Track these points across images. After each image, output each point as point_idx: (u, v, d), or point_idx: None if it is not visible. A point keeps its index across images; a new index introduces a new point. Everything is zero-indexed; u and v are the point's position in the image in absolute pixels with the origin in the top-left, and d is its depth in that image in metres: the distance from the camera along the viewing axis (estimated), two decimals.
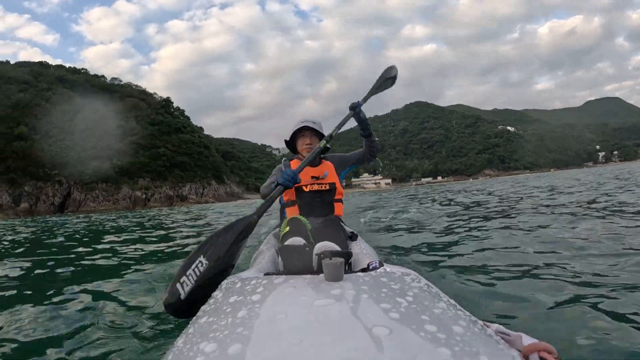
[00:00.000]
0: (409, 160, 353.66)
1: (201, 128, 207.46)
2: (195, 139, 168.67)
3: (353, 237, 3.16)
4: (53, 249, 10.02)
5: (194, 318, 1.32)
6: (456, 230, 7.54)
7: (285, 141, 4.07)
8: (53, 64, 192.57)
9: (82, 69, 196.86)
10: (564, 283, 3.31)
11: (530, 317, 2.66)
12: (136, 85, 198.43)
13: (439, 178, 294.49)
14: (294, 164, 3.86)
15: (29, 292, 4.73)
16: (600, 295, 2.88)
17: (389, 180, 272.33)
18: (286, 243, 2.20)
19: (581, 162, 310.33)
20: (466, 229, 7.54)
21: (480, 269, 4.20)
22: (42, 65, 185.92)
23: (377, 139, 3.98)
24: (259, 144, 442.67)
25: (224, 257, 2.21)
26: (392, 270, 1.54)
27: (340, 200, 3.85)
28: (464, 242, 6.12)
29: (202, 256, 2.18)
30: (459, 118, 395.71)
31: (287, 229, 2.74)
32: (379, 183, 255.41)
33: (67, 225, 22.26)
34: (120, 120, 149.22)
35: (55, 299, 3.87)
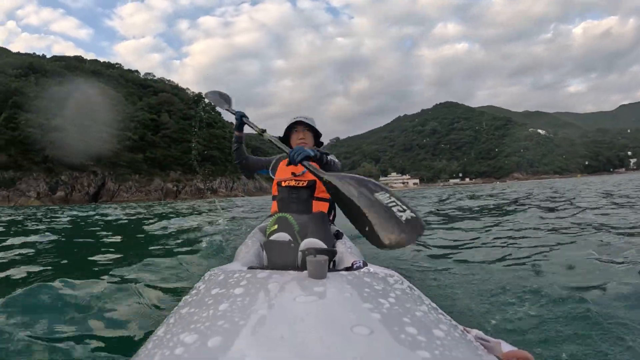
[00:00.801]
0: (438, 160, 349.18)
1: (232, 124, 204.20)
2: (226, 134, 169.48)
3: (339, 235, 3.30)
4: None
5: (176, 308, 1.31)
6: (446, 233, 7.71)
7: (280, 138, 4.04)
8: (88, 59, 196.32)
9: (117, 63, 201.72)
10: (547, 291, 3.34)
11: (510, 324, 2.69)
12: (169, 81, 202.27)
13: (467, 180, 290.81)
14: (284, 161, 3.97)
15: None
16: (584, 304, 2.91)
17: (417, 180, 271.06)
18: (272, 238, 2.25)
19: (612, 169, 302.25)
20: (457, 231, 7.75)
21: (461, 272, 4.33)
22: (77, 59, 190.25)
23: (337, 167, 3.74)
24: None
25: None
26: (375, 271, 1.54)
27: (324, 199, 3.79)
28: (450, 244, 6.31)
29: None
30: (489, 119, 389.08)
31: (275, 227, 2.86)
32: (407, 182, 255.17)
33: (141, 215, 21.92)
34: (153, 114, 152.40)
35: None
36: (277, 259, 1.95)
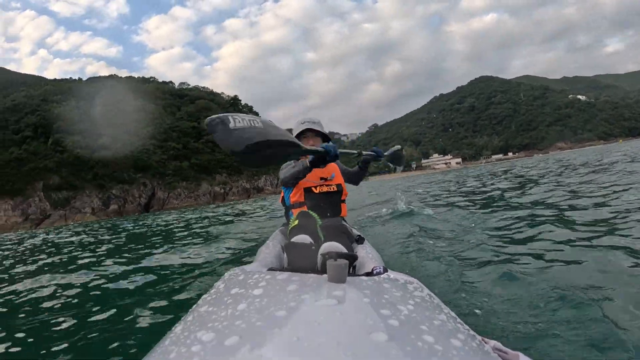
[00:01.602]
0: (478, 137, 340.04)
1: (270, 122, 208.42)
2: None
3: (360, 240, 3.26)
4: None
5: (194, 306, 1.32)
6: (465, 230, 7.05)
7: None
8: (122, 76, 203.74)
9: (151, 77, 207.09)
10: (573, 304, 3.08)
11: (529, 336, 2.62)
12: (203, 87, 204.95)
13: (510, 154, 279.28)
14: None
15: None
16: (607, 319, 2.73)
17: (459, 160, 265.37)
18: (293, 240, 2.22)
19: None
20: (476, 226, 7.18)
21: (483, 280, 4.13)
22: (113, 78, 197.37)
23: (363, 176, 4.20)
24: (327, 132, 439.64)
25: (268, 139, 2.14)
26: (395, 277, 1.53)
27: (344, 202, 3.90)
28: (471, 246, 5.82)
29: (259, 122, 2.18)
30: (526, 90, 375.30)
31: (297, 222, 2.80)
32: (450, 163, 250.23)
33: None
34: (193, 122, 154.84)
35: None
36: (298, 261, 1.92)
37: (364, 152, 4.09)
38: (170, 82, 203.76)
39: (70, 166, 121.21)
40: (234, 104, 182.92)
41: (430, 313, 1.18)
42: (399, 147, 4.79)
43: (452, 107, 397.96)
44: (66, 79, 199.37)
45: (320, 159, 2.99)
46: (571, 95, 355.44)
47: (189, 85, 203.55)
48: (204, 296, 1.41)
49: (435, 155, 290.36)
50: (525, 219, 6.91)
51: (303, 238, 2.18)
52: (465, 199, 13.08)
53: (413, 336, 0.96)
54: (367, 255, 2.65)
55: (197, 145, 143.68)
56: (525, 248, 5.13)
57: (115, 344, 2.56)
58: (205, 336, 0.97)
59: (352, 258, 1.76)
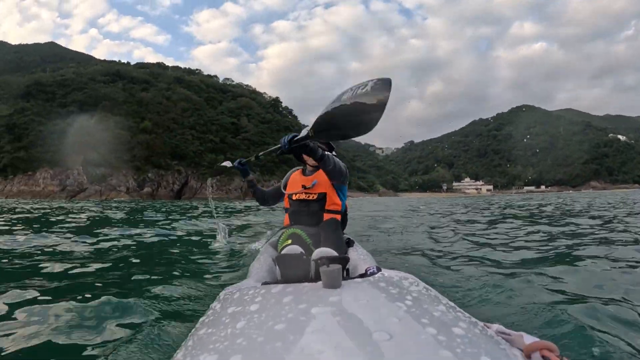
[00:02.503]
0: (512, 167, 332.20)
1: (306, 125, 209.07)
2: None
3: (350, 243, 3.37)
4: None
5: (193, 330, 1.32)
6: (460, 235, 7.83)
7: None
8: (170, 65, 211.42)
9: (197, 69, 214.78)
10: (565, 284, 3.43)
11: (531, 316, 2.65)
12: (247, 85, 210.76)
13: (542, 187, 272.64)
14: (297, 174, 3.98)
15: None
16: (603, 295, 2.94)
17: (490, 187, 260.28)
18: (283, 252, 2.23)
19: None
20: (472, 235, 7.76)
21: (479, 269, 4.33)
22: (160, 66, 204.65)
23: (329, 165, 3.42)
24: (362, 143, 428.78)
25: None
26: (390, 275, 1.54)
27: (335, 212, 3.73)
28: (464, 245, 6.29)
29: None
30: (566, 124, 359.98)
31: (289, 242, 2.92)
32: (480, 189, 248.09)
33: None
34: (233, 118, 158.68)
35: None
36: (290, 272, 1.93)
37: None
38: (215, 76, 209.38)
39: (111, 145, 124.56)
40: (274, 106, 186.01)
41: (429, 305, 1.18)
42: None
43: (489, 133, 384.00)
44: (115, 61, 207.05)
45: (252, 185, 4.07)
46: (611, 135, 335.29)
47: (232, 81, 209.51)
48: (202, 319, 1.41)
49: (467, 179, 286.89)
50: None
51: (293, 249, 2.19)
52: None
53: (416, 330, 0.97)
54: (359, 257, 2.76)
55: (234, 141, 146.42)
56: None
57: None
58: (208, 359, 0.96)
59: (344, 261, 1.77)
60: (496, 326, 1.15)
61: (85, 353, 2.43)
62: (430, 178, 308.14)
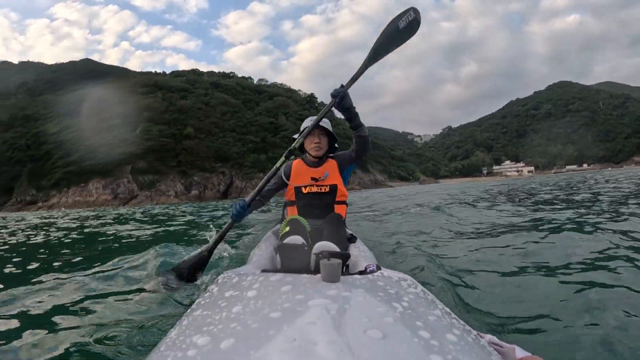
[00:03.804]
0: (553, 146, 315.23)
1: (343, 120, 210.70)
2: (340, 131, 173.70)
3: (352, 239, 3.28)
4: None
5: (189, 310, 1.32)
6: (465, 233, 7.04)
7: (293, 138, 3.74)
8: (205, 71, 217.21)
9: (231, 72, 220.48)
10: (565, 295, 3.21)
11: (524, 330, 2.62)
12: (281, 84, 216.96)
13: (584, 165, 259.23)
14: (300, 165, 3.80)
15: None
16: (602, 310, 2.80)
17: (532, 168, 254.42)
18: (285, 241, 2.21)
19: None
20: (482, 230, 7.15)
21: (477, 275, 4.16)
22: (195, 72, 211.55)
23: (367, 132, 3.49)
24: (401, 132, 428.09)
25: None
26: (389, 275, 1.56)
27: (342, 202, 3.71)
28: (465, 246, 5.87)
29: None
30: (606, 98, 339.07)
31: (287, 229, 2.84)
32: (521, 171, 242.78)
33: None
34: (271, 118, 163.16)
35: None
36: (291, 262, 1.92)
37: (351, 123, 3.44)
38: (250, 77, 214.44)
39: (156, 153, 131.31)
40: (310, 102, 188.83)
41: (425, 309, 1.18)
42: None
43: (527, 113, 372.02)
44: (151, 72, 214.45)
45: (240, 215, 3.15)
46: None
47: (267, 81, 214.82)
48: (198, 300, 1.41)
49: (507, 162, 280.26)
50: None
51: (295, 239, 2.20)
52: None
53: (409, 332, 0.97)
54: (360, 253, 2.74)
55: (274, 139, 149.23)
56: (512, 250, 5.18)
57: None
58: (200, 340, 0.96)
59: (345, 257, 1.75)
60: (489, 337, 1.15)
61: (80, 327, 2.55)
62: (470, 162, 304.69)
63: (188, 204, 67.24)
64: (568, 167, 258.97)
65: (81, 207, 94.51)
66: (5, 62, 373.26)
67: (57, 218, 28.26)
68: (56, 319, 2.93)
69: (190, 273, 3.36)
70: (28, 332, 2.67)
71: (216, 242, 3.30)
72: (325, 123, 3.72)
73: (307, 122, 3.80)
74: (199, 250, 3.44)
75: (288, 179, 3.73)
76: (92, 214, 34.96)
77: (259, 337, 0.93)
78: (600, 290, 3.16)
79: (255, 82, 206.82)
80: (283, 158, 3.41)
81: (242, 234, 7.02)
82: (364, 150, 3.64)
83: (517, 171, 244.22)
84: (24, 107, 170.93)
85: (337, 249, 1.96)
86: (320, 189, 3.61)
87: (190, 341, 0.98)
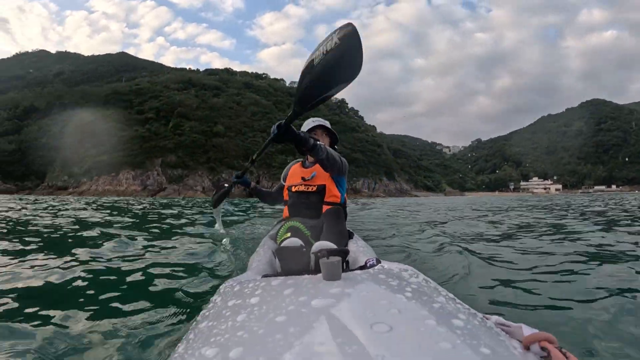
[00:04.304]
0: (582, 165, 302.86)
1: (374, 127, 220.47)
2: (369, 138, 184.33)
3: (350, 235, 3.28)
4: None
5: (194, 323, 1.32)
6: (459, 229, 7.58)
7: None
8: (238, 70, 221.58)
9: (264, 73, 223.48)
10: (566, 275, 3.32)
11: (530, 308, 2.63)
12: None
13: (613, 187, 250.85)
14: (297, 166, 3.87)
15: None
16: (604, 288, 2.86)
17: (559, 186, 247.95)
18: (283, 244, 2.15)
19: None
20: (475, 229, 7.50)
21: (479, 260, 4.24)
22: (228, 72, 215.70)
23: (322, 154, 3.08)
24: (429, 142, 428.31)
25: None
26: (389, 267, 1.55)
27: (334, 204, 3.64)
28: (466, 236, 6.18)
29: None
30: (639, 118, 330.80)
31: (288, 234, 2.93)
32: (549, 189, 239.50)
33: None
34: (300, 120, 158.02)
35: None
36: (290, 264, 1.89)
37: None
38: (282, 79, 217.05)
39: (187, 148, 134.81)
40: (340, 107, 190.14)
41: (429, 297, 1.19)
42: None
43: (558, 130, 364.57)
44: (185, 69, 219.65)
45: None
46: None
47: None
48: (203, 312, 1.41)
49: (536, 178, 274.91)
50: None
51: (293, 241, 2.11)
52: None
53: (415, 322, 0.97)
54: (358, 249, 2.77)
55: None
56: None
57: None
58: (209, 352, 0.96)
59: (343, 253, 1.73)
60: (495, 317, 1.16)
61: (85, 350, 2.37)
62: (498, 177, 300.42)
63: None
64: (596, 187, 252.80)
65: (110, 195, 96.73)
66: (42, 51, 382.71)
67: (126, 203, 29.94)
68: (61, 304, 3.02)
69: (216, 201, 5.23)
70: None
71: (238, 177, 4.49)
72: (322, 122, 3.88)
73: (309, 123, 3.90)
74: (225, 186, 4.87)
75: (284, 180, 3.94)
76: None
77: (267, 342, 0.93)
78: (606, 278, 3.28)
79: (287, 85, 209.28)
80: (248, 164, 4.00)
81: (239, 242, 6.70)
82: (327, 170, 3.43)
83: (545, 188, 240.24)
84: (60, 95, 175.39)
85: (335, 247, 1.90)
86: (308, 188, 3.65)
87: (198, 354, 0.97)
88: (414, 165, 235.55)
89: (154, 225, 9.91)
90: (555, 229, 7.76)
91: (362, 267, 1.67)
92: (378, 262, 1.71)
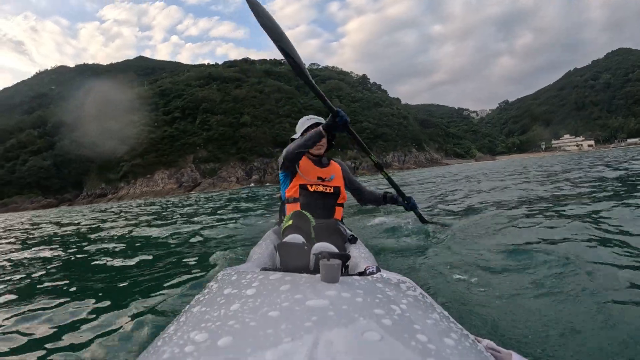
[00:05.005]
0: (613, 118, 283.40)
1: (398, 99, 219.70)
2: (394, 111, 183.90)
3: (352, 240, 3.20)
4: None
5: (187, 306, 1.32)
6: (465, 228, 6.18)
7: (292, 139, 3.86)
8: (256, 59, 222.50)
9: (282, 59, 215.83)
10: (566, 303, 2.91)
11: (522, 335, 2.50)
12: (333, 67, 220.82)
13: None
14: (307, 162, 3.75)
15: None
16: (602, 315, 2.61)
17: (592, 142, 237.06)
18: (285, 240, 2.20)
19: None
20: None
21: (477, 278, 3.83)
22: (247, 61, 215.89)
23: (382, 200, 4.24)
24: (456, 108, 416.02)
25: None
26: (388, 277, 1.54)
27: (341, 205, 3.78)
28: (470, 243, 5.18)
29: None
30: None
31: (290, 222, 2.80)
32: (581, 145, 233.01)
33: None
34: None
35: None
36: (290, 261, 1.89)
37: (388, 194, 4.33)
38: None
39: (216, 142, 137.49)
40: (362, 83, 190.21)
41: (423, 312, 1.18)
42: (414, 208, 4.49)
43: (585, 84, 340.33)
44: (203, 64, 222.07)
45: (331, 126, 3.32)
46: None
47: (319, 65, 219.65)
48: (197, 296, 1.40)
49: (567, 136, 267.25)
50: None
51: (296, 238, 2.18)
52: None
53: (406, 335, 0.96)
54: (360, 255, 2.75)
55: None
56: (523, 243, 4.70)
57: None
58: (198, 336, 0.96)
59: (344, 258, 1.78)
60: (487, 342, 1.15)
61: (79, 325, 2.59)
62: (528, 137, 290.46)
63: (247, 187, 68.74)
64: (629, 140, 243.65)
65: (148, 197, 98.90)
66: (61, 67, 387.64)
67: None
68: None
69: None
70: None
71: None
72: (322, 120, 3.83)
73: (305, 121, 3.89)
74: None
75: (295, 168, 3.68)
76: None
77: (257, 335, 0.93)
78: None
79: (307, 67, 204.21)
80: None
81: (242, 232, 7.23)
82: (361, 201, 4.30)
83: (577, 145, 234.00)
84: (86, 107, 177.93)
85: (337, 250, 1.98)
86: (327, 189, 3.62)
87: (187, 337, 0.98)
88: (442, 133, 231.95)
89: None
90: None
91: (361, 274, 1.67)
92: (378, 270, 1.69)
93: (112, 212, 21.99)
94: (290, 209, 3.51)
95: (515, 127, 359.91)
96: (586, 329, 2.35)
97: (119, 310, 2.95)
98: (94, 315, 2.88)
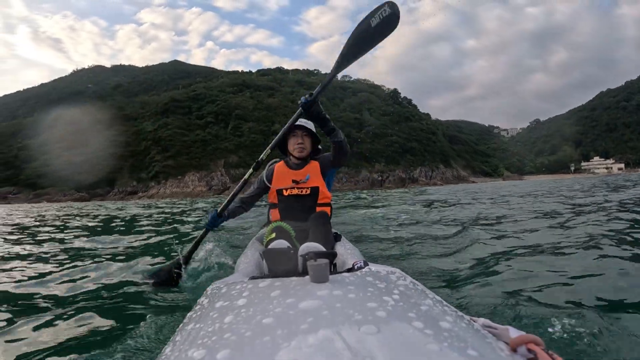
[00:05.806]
0: None
1: (428, 115, 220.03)
2: (423, 126, 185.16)
3: (337, 237, 3.25)
4: None
5: (181, 325, 1.32)
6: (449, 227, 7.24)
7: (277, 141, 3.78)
8: (289, 69, 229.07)
9: (315, 69, 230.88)
10: (554, 277, 3.27)
11: (517, 311, 2.57)
12: (365, 80, 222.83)
13: None
14: (282, 167, 3.78)
15: None
16: (592, 290, 2.85)
17: (622, 165, 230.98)
18: (270, 246, 2.21)
19: None
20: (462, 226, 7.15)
21: (465, 263, 4.16)
22: (280, 71, 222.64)
23: (342, 137, 3.55)
24: (486, 125, 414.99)
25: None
26: (377, 270, 1.55)
27: (326, 204, 3.68)
28: (455, 238, 5.95)
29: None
30: None
31: (273, 235, 2.77)
32: (611, 168, 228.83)
33: None
34: (355, 113, 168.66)
35: None
36: (278, 266, 1.87)
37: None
38: None
39: (247, 148, 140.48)
40: (393, 97, 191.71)
41: (416, 299, 1.19)
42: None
43: (618, 105, 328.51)
44: (238, 71, 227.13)
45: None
46: None
47: (350, 77, 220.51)
48: (189, 314, 1.40)
49: (597, 158, 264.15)
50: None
51: (280, 243, 2.19)
52: None
53: (403, 324, 0.97)
54: (346, 251, 2.76)
55: (359, 135, 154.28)
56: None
57: None
58: (196, 354, 0.95)
59: (331, 256, 1.73)
60: (482, 320, 1.16)
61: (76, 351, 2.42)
62: (558, 158, 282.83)
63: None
64: None
65: (178, 197, 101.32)
66: (98, 66, 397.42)
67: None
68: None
69: (168, 277, 3.77)
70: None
71: (191, 251, 3.82)
72: (308, 124, 3.76)
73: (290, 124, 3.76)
74: (176, 258, 3.84)
75: (270, 182, 3.74)
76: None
77: (254, 344, 0.93)
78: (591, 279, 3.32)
79: (339, 79, 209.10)
80: (251, 170, 3.69)
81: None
82: (340, 156, 3.65)
83: (607, 168, 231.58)
84: (122, 107, 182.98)
85: (323, 249, 1.99)
86: (301, 191, 3.61)
87: (185, 356, 0.96)
88: (470, 150, 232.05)
89: None
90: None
91: (349, 270, 1.69)
92: (365, 264, 1.72)
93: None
94: (273, 214, 3.70)
95: (546, 146, 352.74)
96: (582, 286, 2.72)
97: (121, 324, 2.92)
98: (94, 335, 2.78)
